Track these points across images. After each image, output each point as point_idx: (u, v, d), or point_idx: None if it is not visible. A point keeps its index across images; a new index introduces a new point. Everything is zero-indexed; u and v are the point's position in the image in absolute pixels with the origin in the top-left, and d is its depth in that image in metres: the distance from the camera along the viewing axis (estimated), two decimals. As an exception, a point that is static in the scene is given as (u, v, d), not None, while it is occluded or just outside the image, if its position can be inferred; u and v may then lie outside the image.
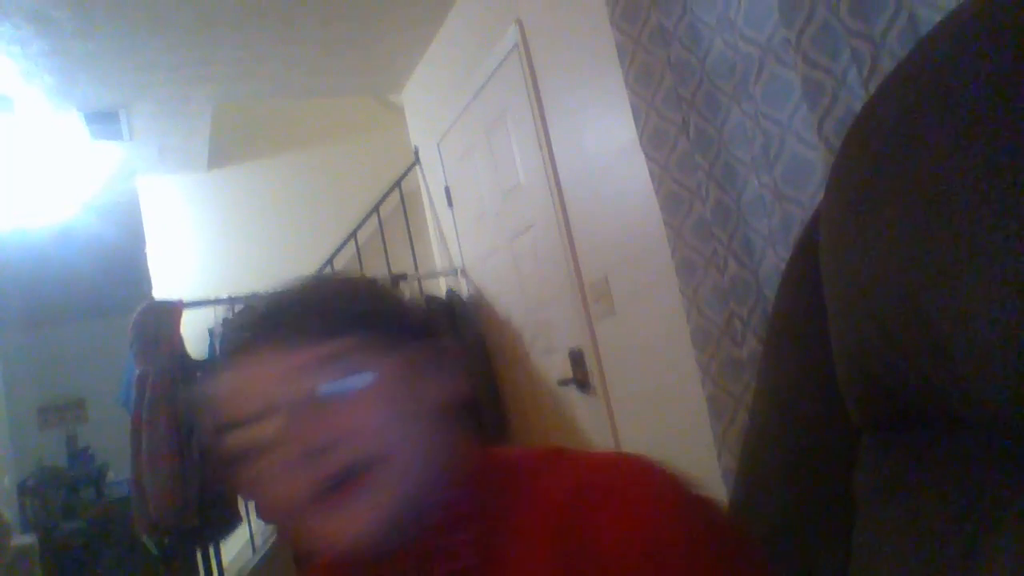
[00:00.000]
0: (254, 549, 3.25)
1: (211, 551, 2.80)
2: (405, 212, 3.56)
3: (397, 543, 0.59)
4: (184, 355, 2.75)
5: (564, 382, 2.49)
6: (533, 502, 0.58)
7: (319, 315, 0.60)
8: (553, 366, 2.60)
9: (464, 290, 3.23)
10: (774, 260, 1.47)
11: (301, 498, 0.56)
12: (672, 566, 0.50)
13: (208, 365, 2.70)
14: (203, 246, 3.98)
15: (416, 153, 3.60)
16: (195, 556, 2.78)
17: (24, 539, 4.24)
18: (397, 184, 3.59)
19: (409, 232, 3.53)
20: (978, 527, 0.43)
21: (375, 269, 3.31)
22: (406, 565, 0.60)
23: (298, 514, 0.57)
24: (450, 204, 3.27)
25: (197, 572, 2.80)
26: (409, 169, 3.63)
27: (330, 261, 3.53)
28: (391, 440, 0.58)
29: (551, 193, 2.41)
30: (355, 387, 0.58)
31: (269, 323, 0.60)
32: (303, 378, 0.57)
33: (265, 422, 0.56)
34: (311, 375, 0.57)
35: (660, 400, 2.05)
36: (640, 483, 0.55)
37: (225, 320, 2.85)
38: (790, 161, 1.37)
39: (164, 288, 3.81)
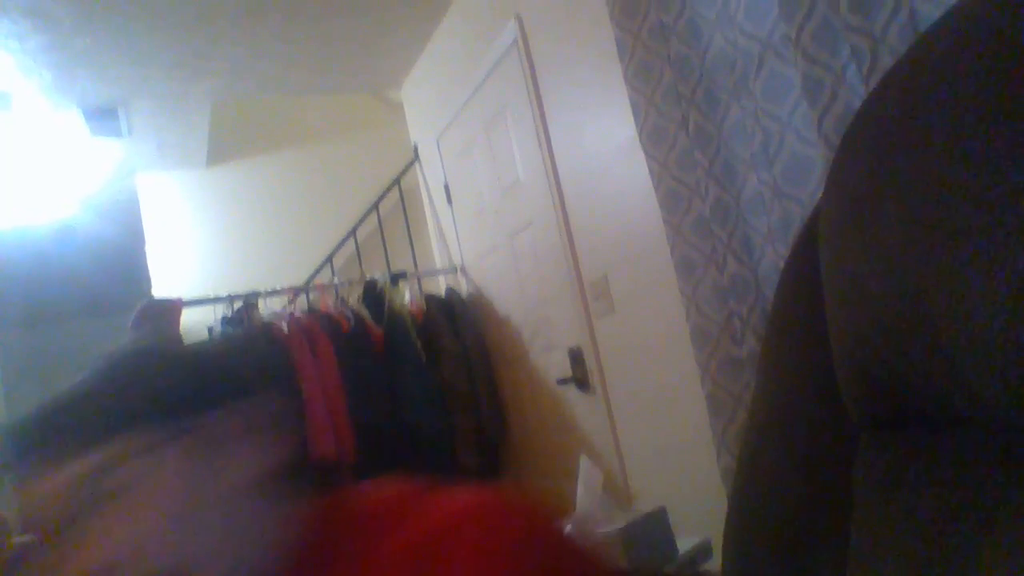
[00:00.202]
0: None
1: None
2: (404, 209, 3.54)
3: None
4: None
5: (563, 381, 2.49)
6: (376, 566, 0.53)
7: (87, 421, 0.53)
8: (552, 364, 2.59)
9: (463, 288, 3.23)
10: (773, 258, 1.46)
11: None
12: None
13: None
14: (202, 243, 3.98)
15: (415, 150, 3.59)
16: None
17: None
18: (396, 181, 3.58)
19: (408, 230, 3.52)
20: (976, 523, 0.43)
21: (374, 267, 3.30)
22: None
23: None
24: (449, 201, 3.27)
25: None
26: (408, 166, 3.62)
27: (329, 259, 3.52)
28: (193, 541, 0.52)
29: (550, 190, 2.40)
30: (133, 493, 0.51)
31: (30, 441, 0.53)
32: (71, 496, 0.50)
33: (40, 552, 0.50)
34: (79, 491, 0.50)
35: (659, 399, 2.04)
36: (491, 537, 0.52)
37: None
38: (790, 158, 1.36)
39: (163, 286, 3.81)
